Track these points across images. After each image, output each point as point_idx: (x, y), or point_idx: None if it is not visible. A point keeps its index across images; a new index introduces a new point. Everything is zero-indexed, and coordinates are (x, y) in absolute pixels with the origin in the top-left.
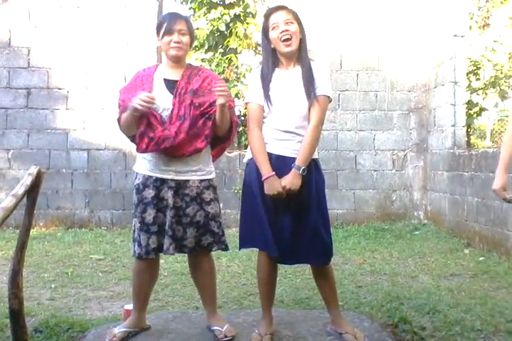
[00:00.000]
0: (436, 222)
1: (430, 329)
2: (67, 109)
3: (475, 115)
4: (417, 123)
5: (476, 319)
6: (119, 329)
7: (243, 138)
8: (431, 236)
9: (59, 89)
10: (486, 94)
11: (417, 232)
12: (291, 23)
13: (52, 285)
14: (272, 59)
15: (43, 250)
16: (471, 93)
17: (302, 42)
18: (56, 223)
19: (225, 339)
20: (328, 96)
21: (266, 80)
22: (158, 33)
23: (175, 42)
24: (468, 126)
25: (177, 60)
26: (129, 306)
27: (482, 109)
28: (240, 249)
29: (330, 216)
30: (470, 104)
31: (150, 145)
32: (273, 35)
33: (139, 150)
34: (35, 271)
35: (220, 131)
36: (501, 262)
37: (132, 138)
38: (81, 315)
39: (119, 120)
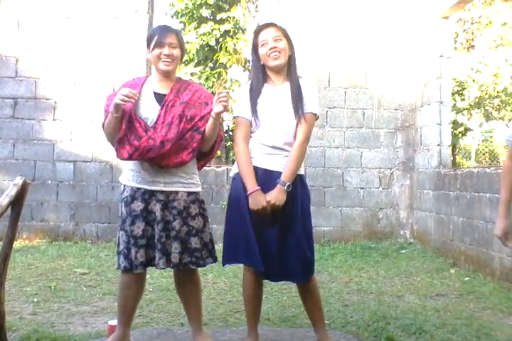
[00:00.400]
0: (422, 241)
1: None
2: (54, 119)
3: (460, 135)
4: (403, 141)
5: (462, 340)
6: None
7: (231, 154)
8: (417, 255)
9: (46, 99)
10: (471, 114)
11: (403, 251)
12: (280, 39)
13: (35, 300)
14: (262, 74)
15: (26, 263)
16: (457, 113)
17: (291, 58)
18: (40, 235)
19: None
20: (315, 114)
21: (254, 95)
22: (148, 45)
23: (165, 55)
24: (454, 145)
25: (167, 74)
26: (113, 322)
27: (467, 129)
28: (223, 265)
29: (317, 233)
30: (455, 124)
31: (134, 155)
32: (262, 51)
33: (120, 157)
34: (17, 284)
35: (206, 146)
36: (486, 282)
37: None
38: (64, 330)
39: (103, 125)
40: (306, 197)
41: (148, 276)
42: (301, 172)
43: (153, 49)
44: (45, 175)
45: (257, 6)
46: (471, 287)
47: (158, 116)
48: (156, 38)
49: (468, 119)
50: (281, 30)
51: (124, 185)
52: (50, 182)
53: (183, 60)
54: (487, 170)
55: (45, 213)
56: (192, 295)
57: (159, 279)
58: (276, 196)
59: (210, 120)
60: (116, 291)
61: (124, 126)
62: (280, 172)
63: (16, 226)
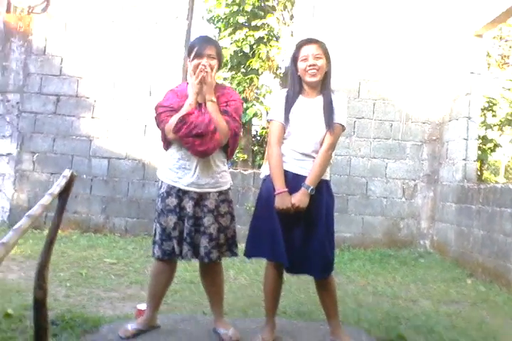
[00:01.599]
0: (441, 251)
1: None
2: (92, 117)
3: (489, 151)
4: (429, 154)
5: None
6: (132, 327)
7: (258, 158)
8: (435, 264)
9: (87, 97)
10: (502, 130)
11: (421, 260)
12: (320, 58)
13: (68, 284)
14: (298, 86)
15: (59, 251)
16: (486, 129)
17: (327, 74)
18: (72, 226)
19: None
20: (342, 125)
21: (289, 104)
22: (189, 55)
23: (203, 65)
24: (482, 161)
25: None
26: (142, 306)
27: (496, 145)
28: (248, 257)
29: (338, 238)
30: (485, 140)
31: (183, 128)
32: (301, 65)
33: (169, 134)
34: (51, 269)
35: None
36: (501, 293)
37: (167, 145)
38: (94, 312)
39: (164, 127)
40: (331, 201)
41: None
42: (327, 177)
43: (192, 59)
44: (80, 169)
45: (292, 15)
46: (486, 296)
47: (200, 110)
48: (196, 49)
49: (500, 135)
50: (322, 48)
51: (162, 182)
52: (85, 176)
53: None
54: (510, 186)
55: (78, 206)
56: (215, 284)
57: (184, 273)
58: (300, 198)
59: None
60: (143, 281)
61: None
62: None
63: (62, 213)
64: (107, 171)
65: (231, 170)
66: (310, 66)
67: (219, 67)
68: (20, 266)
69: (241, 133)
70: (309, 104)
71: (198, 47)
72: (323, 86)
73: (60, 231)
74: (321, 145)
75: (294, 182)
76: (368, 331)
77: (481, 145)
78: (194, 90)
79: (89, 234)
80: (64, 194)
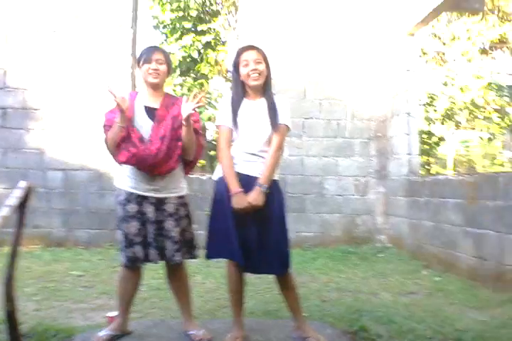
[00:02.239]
0: (397, 245)
1: (386, 336)
2: (42, 129)
3: (434, 144)
4: (377, 150)
5: (428, 329)
6: (104, 333)
7: (215, 162)
8: (393, 258)
9: (35, 109)
10: (444, 123)
11: (380, 255)
12: (260, 62)
13: (36, 298)
14: (241, 90)
15: (24, 266)
16: (429, 124)
17: (267, 78)
18: (35, 241)
19: None
20: (287, 126)
21: (235, 108)
22: (138, 63)
23: (152, 69)
24: (429, 154)
25: (155, 87)
26: (112, 313)
27: (440, 139)
28: (208, 258)
29: (298, 238)
30: (429, 134)
31: (132, 160)
32: (243, 71)
33: (117, 160)
34: (18, 285)
35: (186, 153)
36: (454, 281)
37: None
38: (66, 323)
39: (106, 140)
40: (282, 200)
41: None
42: (276, 177)
43: (142, 65)
44: (36, 182)
45: (236, 20)
46: (441, 286)
47: (152, 130)
48: (144, 55)
49: (448, 129)
50: (261, 53)
51: (120, 189)
52: (41, 189)
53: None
54: (450, 177)
55: (38, 219)
56: (182, 286)
57: (150, 280)
58: (256, 197)
59: (183, 127)
60: (111, 291)
61: (123, 134)
62: (258, 178)
63: (23, 224)
64: (63, 183)
65: (188, 175)
66: (252, 71)
67: (168, 73)
68: None
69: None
70: (253, 106)
71: (146, 53)
72: (265, 89)
73: (22, 247)
74: (268, 144)
75: (245, 182)
76: (332, 324)
77: (426, 140)
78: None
79: (53, 248)
80: (23, 205)
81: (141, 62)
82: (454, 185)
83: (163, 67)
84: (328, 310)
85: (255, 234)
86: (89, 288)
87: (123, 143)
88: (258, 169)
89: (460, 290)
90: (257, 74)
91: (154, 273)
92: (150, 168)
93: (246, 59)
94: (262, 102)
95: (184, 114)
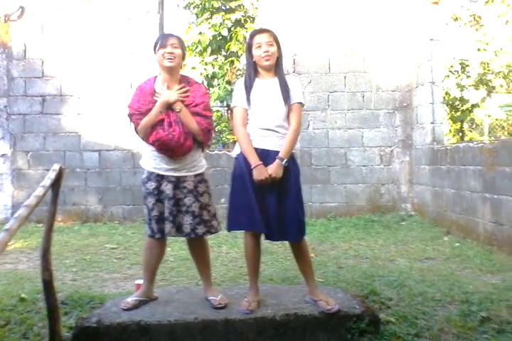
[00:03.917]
0: (421, 213)
1: (396, 299)
2: (78, 113)
3: (467, 111)
4: (401, 120)
5: (437, 291)
6: (131, 298)
7: None
8: (415, 226)
9: (70, 96)
10: (478, 89)
11: (403, 223)
12: (272, 45)
13: (74, 269)
14: (253, 71)
15: (63, 241)
16: (461, 90)
17: (279, 59)
18: (73, 218)
19: (219, 306)
20: (301, 103)
21: (248, 88)
22: (154, 49)
23: (168, 53)
24: (461, 121)
25: (171, 71)
26: (139, 281)
27: (474, 106)
28: (229, 230)
29: (323, 209)
30: (462, 101)
31: (155, 144)
32: (256, 53)
33: (146, 141)
34: (57, 257)
35: (196, 135)
36: (473, 247)
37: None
38: (99, 291)
39: (136, 129)
40: (297, 170)
41: (169, 249)
42: (293, 150)
43: (158, 50)
44: (73, 163)
45: None
46: (459, 251)
47: (167, 113)
48: (159, 41)
49: (484, 94)
50: (273, 36)
51: (143, 169)
52: (78, 170)
53: (198, 51)
54: (470, 144)
55: (76, 198)
56: (202, 256)
57: (179, 251)
58: (276, 169)
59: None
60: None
61: (159, 118)
62: (275, 151)
63: (56, 202)
64: (98, 163)
65: (216, 152)
66: (265, 52)
67: (183, 57)
68: (28, 257)
69: (213, 127)
70: (266, 85)
71: (161, 40)
72: (277, 69)
73: (62, 223)
74: (283, 119)
75: (262, 156)
76: (344, 289)
77: (459, 107)
78: (158, 109)
79: (90, 223)
80: (55, 185)
81: (157, 48)
82: (474, 152)
83: (178, 51)
84: (343, 275)
85: (274, 205)
86: (121, 260)
87: (155, 126)
88: (274, 143)
89: (477, 255)
90: (269, 56)
91: (183, 245)
92: (171, 151)
93: (259, 42)
94: (274, 81)
95: (170, 101)
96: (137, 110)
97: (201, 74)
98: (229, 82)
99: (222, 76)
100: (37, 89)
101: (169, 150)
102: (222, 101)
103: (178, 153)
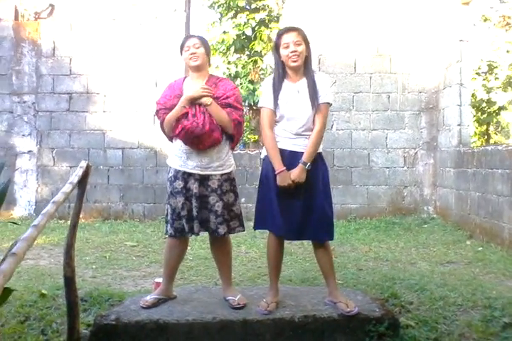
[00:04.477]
0: (443, 216)
1: (416, 303)
2: (104, 111)
3: (494, 113)
4: (427, 122)
5: (459, 296)
6: (150, 296)
7: None
8: (437, 229)
9: (97, 93)
10: (506, 92)
11: (425, 225)
12: (300, 44)
13: (94, 266)
14: (282, 71)
15: (84, 238)
16: (488, 92)
17: (308, 58)
18: (94, 215)
19: (238, 306)
20: (329, 103)
21: (276, 90)
22: (181, 52)
23: (191, 53)
24: (487, 123)
25: (197, 70)
26: (159, 279)
27: (501, 108)
28: (254, 229)
29: (343, 210)
30: (489, 103)
31: (181, 133)
32: (284, 52)
33: (173, 134)
34: (77, 254)
35: (225, 128)
36: (497, 251)
37: (170, 138)
38: (119, 289)
39: (162, 124)
40: (326, 170)
41: (188, 248)
42: (320, 150)
43: (183, 52)
44: (97, 161)
45: None
46: (482, 255)
47: (193, 108)
48: (184, 43)
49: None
50: (301, 34)
51: (170, 167)
52: (101, 167)
53: (221, 50)
54: (499, 147)
55: (98, 195)
56: (223, 255)
57: (198, 250)
58: (299, 174)
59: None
60: (162, 260)
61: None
62: (302, 153)
63: (82, 199)
64: (121, 161)
65: (238, 151)
66: (292, 52)
67: (208, 55)
68: (50, 253)
69: (244, 121)
70: (295, 88)
71: (185, 41)
72: (306, 69)
73: (83, 220)
74: (311, 123)
75: (290, 158)
76: (364, 291)
77: (485, 109)
78: (182, 104)
79: (111, 221)
80: (82, 182)
81: (182, 50)
82: (503, 156)
83: (201, 50)
84: (363, 278)
85: (300, 206)
86: (141, 257)
87: (179, 119)
88: (303, 145)
89: (500, 260)
90: (297, 56)
91: (202, 244)
92: (197, 140)
93: (287, 41)
94: (302, 83)
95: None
96: (163, 105)
97: (224, 73)
98: (252, 82)
99: (245, 75)
100: (64, 87)
101: (196, 138)
102: (244, 101)
103: (206, 142)
